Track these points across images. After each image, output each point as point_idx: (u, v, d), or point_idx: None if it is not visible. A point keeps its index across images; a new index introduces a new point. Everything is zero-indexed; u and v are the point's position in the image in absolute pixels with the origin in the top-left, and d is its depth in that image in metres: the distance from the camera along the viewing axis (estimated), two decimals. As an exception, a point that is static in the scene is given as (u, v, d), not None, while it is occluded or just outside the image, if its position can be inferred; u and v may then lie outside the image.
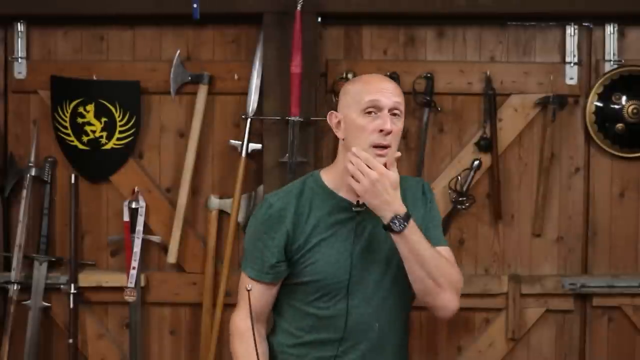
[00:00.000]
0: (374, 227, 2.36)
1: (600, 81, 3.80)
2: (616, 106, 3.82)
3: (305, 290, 2.37)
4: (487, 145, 3.81)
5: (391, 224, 2.26)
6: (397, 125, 2.32)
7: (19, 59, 3.88)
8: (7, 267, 3.86)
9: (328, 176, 2.43)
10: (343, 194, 2.38)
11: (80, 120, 3.84)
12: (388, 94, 2.31)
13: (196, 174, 3.84)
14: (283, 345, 2.43)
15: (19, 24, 3.86)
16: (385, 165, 2.29)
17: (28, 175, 3.85)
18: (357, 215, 2.36)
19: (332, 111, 2.42)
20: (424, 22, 3.85)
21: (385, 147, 2.30)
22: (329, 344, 2.37)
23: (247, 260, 2.43)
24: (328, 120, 2.43)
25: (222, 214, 3.84)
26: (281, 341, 2.44)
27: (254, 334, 2.23)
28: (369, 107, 2.30)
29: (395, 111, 2.32)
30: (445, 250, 2.46)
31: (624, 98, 3.81)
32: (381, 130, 2.28)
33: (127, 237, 3.81)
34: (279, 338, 2.45)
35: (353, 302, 2.35)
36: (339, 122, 2.38)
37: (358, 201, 2.35)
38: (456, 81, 3.84)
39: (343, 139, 2.38)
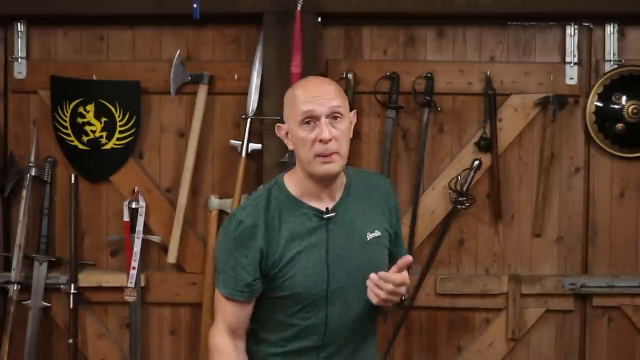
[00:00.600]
0: (345, 233, 2.32)
1: (600, 81, 3.80)
2: (616, 106, 3.82)
3: (285, 304, 2.33)
4: (487, 145, 3.81)
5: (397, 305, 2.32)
6: (338, 129, 2.24)
7: (19, 59, 3.88)
8: (7, 267, 3.87)
9: (291, 183, 2.34)
10: (309, 201, 2.32)
11: (80, 120, 3.84)
12: (322, 100, 2.24)
13: (196, 174, 3.84)
14: (267, 353, 2.40)
15: (19, 24, 3.86)
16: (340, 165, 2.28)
17: (28, 175, 3.84)
18: (327, 223, 2.32)
19: (278, 124, 2.36)
20: (424, 22, 3.85)
21: (329, 155, 2.24)
22: (311, 351, 2.36)
23: (219, 277, 2.36)
24: (277, 133, 2.37)
25: (222, 214, 3.84)
26: (265, 350, 2.40)
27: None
28: (305, 119, 2.24)
29: (335, 114, 2.25)
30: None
31: (624, 98, 3.81)
32: (320, 140, 2.22)
33: (127, 237, 3.81)
34: (262, 347, 2.41)
35: (332, 310, 2.33)
36: (286, 134, 2.32)
37: (327, 208, 2.31)
38: (456, 81, 3.84)
39: (293, 150, 2.32)
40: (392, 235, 2.42)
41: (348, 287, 2.33)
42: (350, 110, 2.33)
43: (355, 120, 2.36)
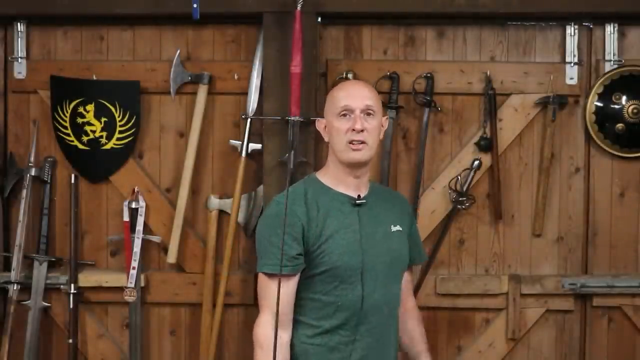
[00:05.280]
0: (372, 221, 2.64)
1: (600, 81, 3.80)
2: (616, 106, 3.82)
3: (324, 281, 2.56)
4: (487, 145, 3.81)
5: None
6: (370, 123, 2.59)
7: (19, 59, 3.88)
8: (7, 267, 3.87)
9: (324, 177, 2.66)
10: (342, 190, 2.63)
11: (80, 120, 3.84)
12: (358, 97, 2.60)
13: (196, 174, 3.84)
14: (304, 336, 2.59)
15: (19, 24, 3.86)
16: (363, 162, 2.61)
17: (28, 175, 3.84)
18: (358, 209, 2.63)
19: (318, 118, 2.73)
20: (424, 22, 3.85)
21: (359, 142, 2.57)
22: (347, 329, 2.57)
23: (262, 261, 2.58)
24: (317, 127, 2.72)
25: (222, 214, 3.84)
26: (301, 333, 2.59)
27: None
28: (342, 111, 2.59)
29: (368, 111, 2.59)
30: (410, 275, 2.87)
31: (624, 98, 3.81)
32: (353, 130, 2.56)
33: (127, 237, 3.81)
34: (298, 332, 2.59)
35: (367, 286, 2.58)
36: (324, 127, 2.66)
37: (359, 195, 2.63)
38: (456, 81, 3.84)
39: (328, 141, 2.66)
40: (409, 237, 2.75)
41: (378, 269, 2.61)
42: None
43: (387, 126, 2.70)
